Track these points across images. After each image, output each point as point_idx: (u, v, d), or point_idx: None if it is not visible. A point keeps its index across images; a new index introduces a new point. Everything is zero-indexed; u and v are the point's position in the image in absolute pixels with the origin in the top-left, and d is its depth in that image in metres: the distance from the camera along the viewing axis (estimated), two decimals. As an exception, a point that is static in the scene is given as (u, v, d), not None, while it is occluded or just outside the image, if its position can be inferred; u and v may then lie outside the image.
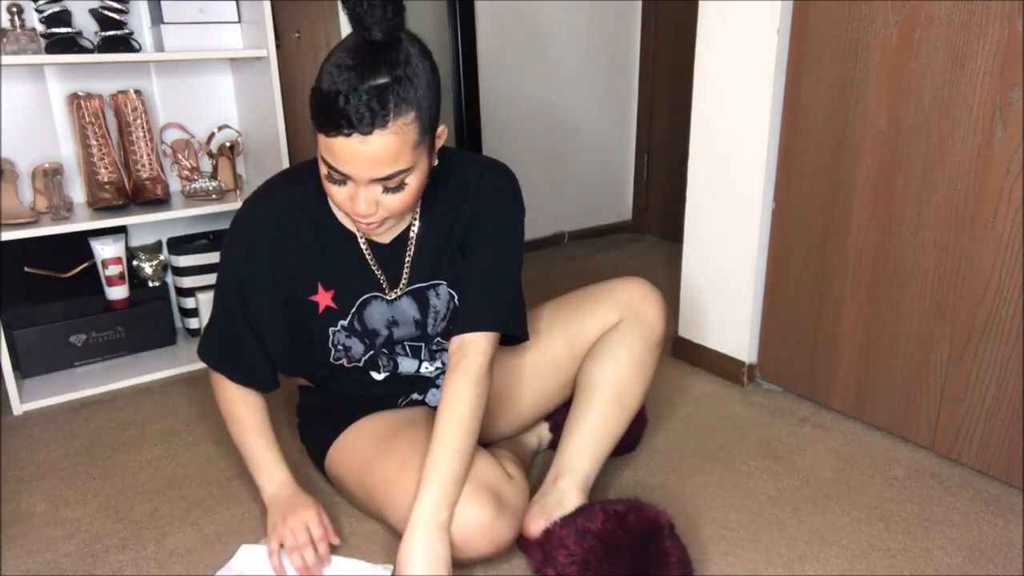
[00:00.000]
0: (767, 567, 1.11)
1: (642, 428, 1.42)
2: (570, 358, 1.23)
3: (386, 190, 0.94)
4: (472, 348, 1.08)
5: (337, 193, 0.96)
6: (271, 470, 1.14)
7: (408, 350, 1.19)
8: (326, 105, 0.87)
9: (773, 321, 1.65)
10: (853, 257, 1.46)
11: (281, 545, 1.06)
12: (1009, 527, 1.19)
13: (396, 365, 1.19)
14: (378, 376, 1.20)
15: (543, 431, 1.39)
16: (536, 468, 1.35)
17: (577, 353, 1.22)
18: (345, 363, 1.17)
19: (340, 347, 1.14)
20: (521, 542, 1.11)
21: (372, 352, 1.16)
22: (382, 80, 0.87)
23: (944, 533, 1.18)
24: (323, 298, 1.11)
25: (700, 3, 1.62)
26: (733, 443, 1.46)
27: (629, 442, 1.37)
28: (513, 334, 1.15)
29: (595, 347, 1.20)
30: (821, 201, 1.50)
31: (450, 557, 0.98)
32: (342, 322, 1.12)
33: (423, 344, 1.18)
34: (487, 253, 1.12)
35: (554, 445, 1.36)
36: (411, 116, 0.89)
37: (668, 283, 2.13)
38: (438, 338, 1.19)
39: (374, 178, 0.92)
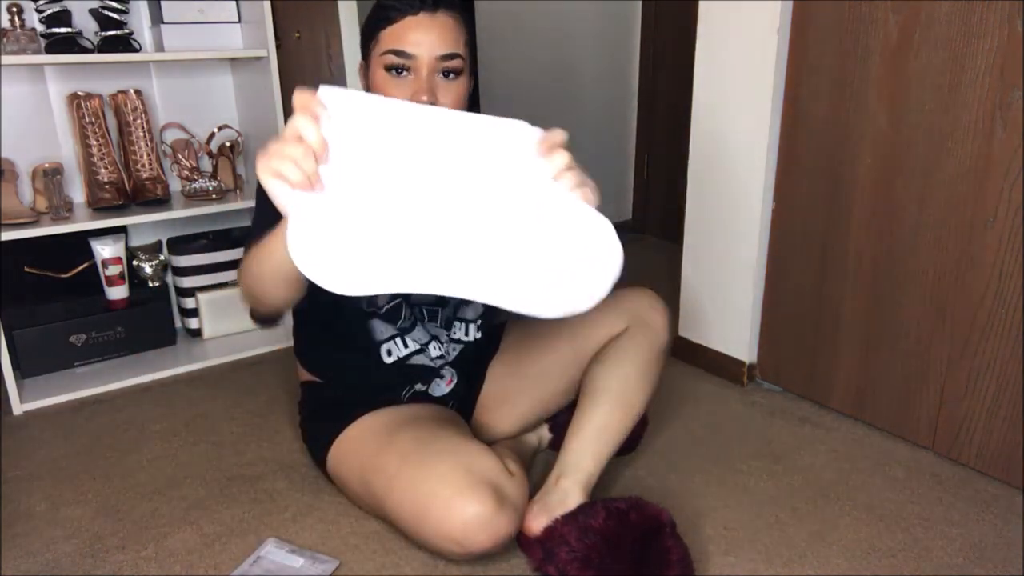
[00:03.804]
0: (767, 567, 1.11)
1: (643, 429, 1.42)
2: (575, 363, 1.25)
3: (445, 74, 1.03)
4: None
5: (397, 93, 1.02)
6: None
7: (426, 313, 1.22)
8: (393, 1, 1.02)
9: (773, 321, 1.65)
10: (853, 257, 1.46)
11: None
12: (1009, 527, 1.19)
13: (414, 323, 1.21)
14: (387, 355, 1.21)
15: (543, 431, 1.40)
16: (537, 467, 1.35)
17: (582, 358, 1.24)
18: (364, 306, 1.18)
19: None
20: (522, 541, 1.11)
21: (398, 299, 1.18)
22: None
23: (944, 533, 1.18)
24: None
25: (700, 3, 1.62)
26: (733, 443, 1.46)
27: (630, 443, 1.36)
28: None
29: (602, 352, 1.22)
30: (821, 201, 1.50)
31: None
32: None
33: (439, 309, 1.22)
34: None
35: (554, 445, 1.36)
36: (460, 19, 1.05)
37: (668, 283, 2.13)
38: (459, 313, 1.23)
39: (439, 55, 1.01)
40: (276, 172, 0.78)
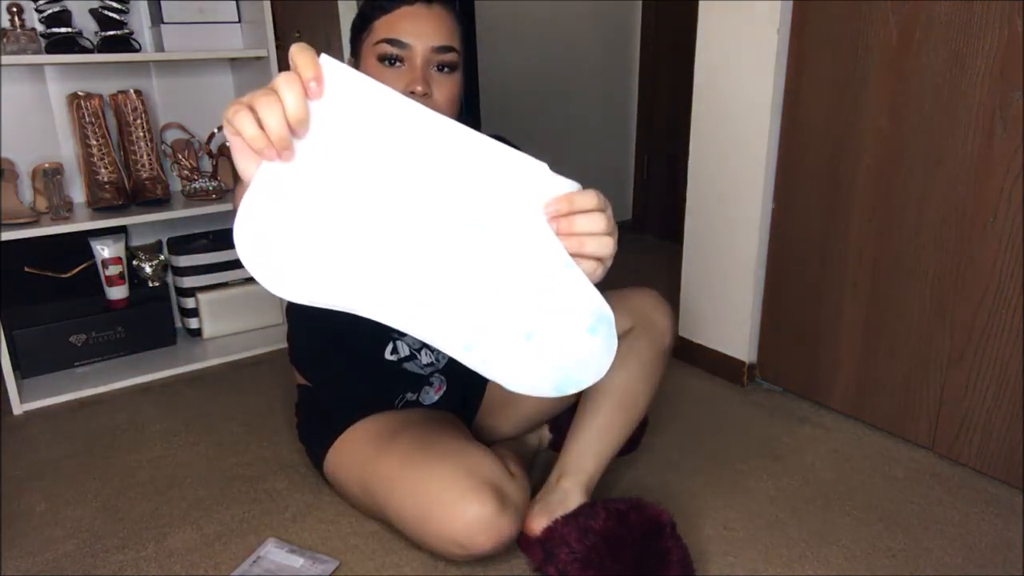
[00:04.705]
0: (767, 567, 1.11)
1: (643, 429, 1.42)
2: None
3: (440, 68, 1.02)
4: None
5: (390, 84, 0.99)
6: None
7: None
8: None
9: (773, 321, 1.65)
10: (853, 257, 1.46)
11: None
12: (1009, 527, 1.19)
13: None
14: (389, 351, 1.20)
15: (543, 431, 1.40)
16: (537, 468, 1.35)
17: None
18: None
19: None
20: (522, 541, 1.11)
21: None
22: None
23: (944, 533, 1.18)
24: None
25: (700, 3, 1.62)
26: (733, 443, 1.46)
27: (630, 443, 1.36)
28: None
29: None
30: (821, 201, 1.50)
31: None
32: None
33: None
34: None
35: (554, 445, 1.36)
36: (455, 14, 1.05)
37: (668, 283, 2.13)
38: None
39: (434, 46, 1.01)
40: (235, 129, 0.64)
